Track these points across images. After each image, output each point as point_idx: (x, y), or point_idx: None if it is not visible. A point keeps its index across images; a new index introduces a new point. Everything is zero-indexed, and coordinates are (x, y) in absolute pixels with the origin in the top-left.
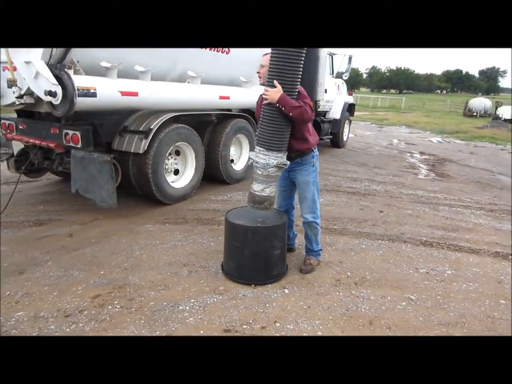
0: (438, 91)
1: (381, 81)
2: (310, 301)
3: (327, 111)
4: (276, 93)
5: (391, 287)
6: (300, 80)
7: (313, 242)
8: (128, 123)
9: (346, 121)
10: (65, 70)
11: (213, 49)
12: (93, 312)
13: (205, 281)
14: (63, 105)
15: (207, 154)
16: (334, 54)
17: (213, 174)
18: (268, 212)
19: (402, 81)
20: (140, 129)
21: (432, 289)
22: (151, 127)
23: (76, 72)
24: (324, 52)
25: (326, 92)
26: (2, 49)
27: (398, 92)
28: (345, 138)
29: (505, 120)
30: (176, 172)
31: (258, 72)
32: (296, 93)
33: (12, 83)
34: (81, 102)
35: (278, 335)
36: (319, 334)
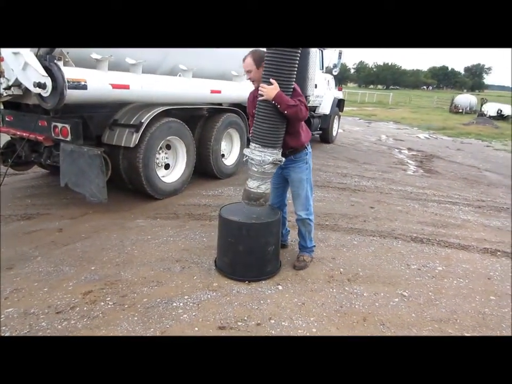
0: (424, 87)
1: (368, 77)
2: (304, 298)
3: (317, 106)
4: (272, 90)
5: (383, 284)
6: (295, 78)
7: (306, 239)
8: (119, 116)
9: (336, 116)
10: (55, 61)
11: None
12: (85, 308)
13: (198, 277)
14: (52, 98)
15: (198, 148)
16: (323, 49)
17: (204, 169)
18: (262, 208)
19: (389, 77)
20: (131, 123)
21: (424, 286)
22: (142, 121)
23: (65, 64)
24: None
25: (316, 87)
26: None
27: (385, 87)
28: (334, 133)
29: (490, 117)
30: (167, 167)
31: (249, 78)
32: (292, 90)
33: None
34: (72, 95)
35: (273, 332)
36: (314, 330)
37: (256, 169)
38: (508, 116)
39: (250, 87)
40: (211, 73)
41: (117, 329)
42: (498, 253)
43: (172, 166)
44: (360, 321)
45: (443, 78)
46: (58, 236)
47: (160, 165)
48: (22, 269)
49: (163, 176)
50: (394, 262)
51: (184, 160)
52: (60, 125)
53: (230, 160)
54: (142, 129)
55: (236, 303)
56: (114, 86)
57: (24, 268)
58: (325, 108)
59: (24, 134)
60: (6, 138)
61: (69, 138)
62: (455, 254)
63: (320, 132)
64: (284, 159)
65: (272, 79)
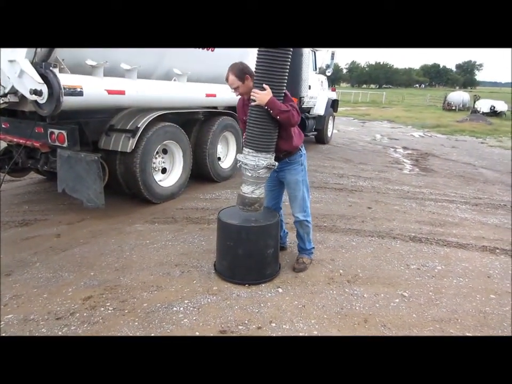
0: (417, 85)
1: (361, 76)
2: (305, 300)
3: (311, 107)
4: (265, 95)
5: (383, 284)
6: (286, 82)
7: (305, 240)
8: (115, 122)
9: (330, 117)
10: (51, 68)
11: None
12: (84, 314)
13: (198, 281)
14: (49, 104)
15: (194, 152)
16: (316, 50)
17: (201, 172)
18: (260, 211)
19: (381, 76)
20: (127, 128)
21: (424, 286)
22: (138, 126)
23: (61, 71)
24: (307, 48)
25: (309, 88)
26: None
27: (378, 86)
28: (329, 134)
29: (484, 113)
30: (164, 171)
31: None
32: (283, 95)
33: None
34: (68, 101)
35: (274, 335)
36: (315, 333)
37: (250, 174)
38: (501, 112)
39: None
40: (206, 77)
41: (117, 335)
42: (497, 251)
43: (169, 170)
44: (361, 323)
45: (435, 76)
46: (57, 241)
47: (157, 169)
48: (21, 275)
49: (160, 181)
50: (394, 262)
51: (181, 164)
52: (56, 131)
53: (226, 163)
54: (139, 134)
55: (236, 307)
56: (110, 92)
57: (23, 274)
58: (319, 109)
59: (21, 141)
60: (2, 145)
61: (65, 145)
62: (454, 252)
63: (315, 132)
64: (277, 163)
65: (265, 84)
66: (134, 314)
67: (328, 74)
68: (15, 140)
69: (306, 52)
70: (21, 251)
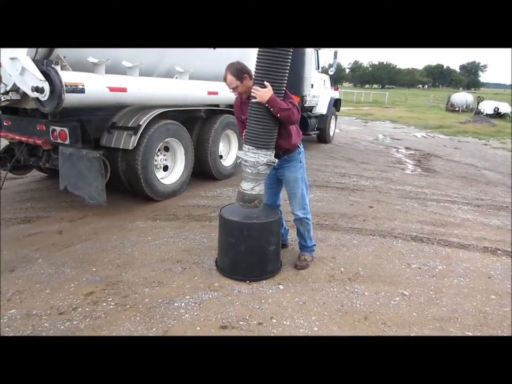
0: (420, 86)
1: (364, 76)
2: (305, 297)
3: (313, 106)
4: (266, 93)
5: (384, 283)
6: (286, 80)
7: (306, 238)
8: (117, 119)
9: (333, 116)
10: (52, 65)
11: None
12: (87, 309)
13: (199, 277)
14: (50, 102)
15: (196, 150)
16: (319, 49)
17: (202, 170)
18: (262, 208)
19: (384, 76)
20: (129, 125)
21: (425, 285)
22: (140, 123)
23: (63, 68)
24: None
25: (312, 86)
26: None
27: (380, 86)
28: (331, 133)
29: (487, 115)
30: (166, 168)
31: (237, 93)
32: (283, 93)
33: None
34: (69, 98)
35: (275, 331)
36: (316, 329)
37: (250, 171)
38: (505, 113)
39: None
40: (208, 75)
41: (119, 329)
42: (499, 252)
43: (171, 168)
44: (362, 320)
45: (439, 77)
46: (59, 238)
47: (158, 166)
48: (24, 271)
49: (162, 178)
50: (395, 261)
51: (183, 162)
52: (58, 129)
53: (228, 161)
54: (140, 132)
55: (237, 303)
56: (112, 89)
57: (26, 270)
58: (321, 108)
59: (23, 138)
60: (4, 142)
61: (67, 142)
62: (455, 253)
63: (317, 132)
64: (277, 160)
65: (266, 81)
66: (136, 309)
67: (331, 73)
68: (17, 137)
69: (309, 51)
70: (23, 247)
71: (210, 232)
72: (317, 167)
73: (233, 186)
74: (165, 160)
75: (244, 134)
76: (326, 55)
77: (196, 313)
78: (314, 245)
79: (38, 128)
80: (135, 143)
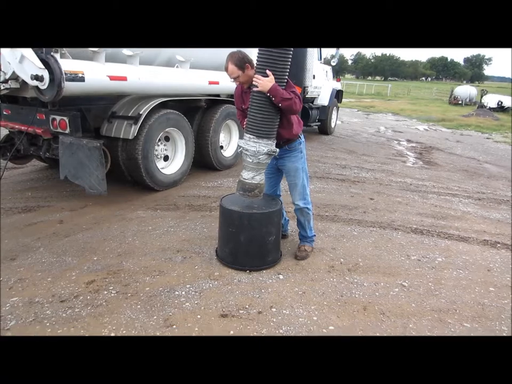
0: (423, 78)
1: (366, 68)
2: (305, 287)
3: (315, 97)
4: (268, 82)
5: (383, 274)
6: (288, 69)
7: (306, 228)
8: (117, 108)
9: (334, 107)
10: (52, 53)
11: None
12: (88, 297)
13: (200, 267)
14: (50, 90)
15: (196, 140)
16: None
17: (203, 160)
18: (262, 198)
19: (387, 68)
20: (129, 115)
21: (424, 276)
22: (140, 113)
23: (62, 56)
24: None
25: (314, 77)
26: None
27: (383, 78)
28: (333, 125)
29: (491, 108)
30: (166, 158)
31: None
32: (286, 82)
33: None
34: (69, 87)
35: (274, 320)
36: (315, 319)
37: (250, 160)
38: (508, 107)
39: None
40: (209, 64)
41: (120, 317)
42: (498, 245)
43: (171, 158)
44: (361, 310)
45: (442, 69)
46: (60, 227)
47: (159, 156)
48: (25, 259)
49: (162, 168)
50: (394, 253)
51: (183, 152)
52: (58, 118)
53: (228, 151)
54: (141, 121)
55: (237, 292)
56: (112, 78)
57: (27, 258)
58: (323, 99)
59: (23, 128)
60: (4, 132)
61: (67, 131)
62: (454, 245)
63: (319, 123)
64: (278, 150)
65: (268, 70)
66: (137, 297)
67: (333, 64)
68: (16, 126)
69: None
70: (24, 236)
71: (210, 222)
72: (318, 159)
73: (234, 176)
74: (166, 150)
75: (244, 123)
76: None
77: (196, 302)
78: (314, 235)
79: (37, 117)
80: (136, 133)
